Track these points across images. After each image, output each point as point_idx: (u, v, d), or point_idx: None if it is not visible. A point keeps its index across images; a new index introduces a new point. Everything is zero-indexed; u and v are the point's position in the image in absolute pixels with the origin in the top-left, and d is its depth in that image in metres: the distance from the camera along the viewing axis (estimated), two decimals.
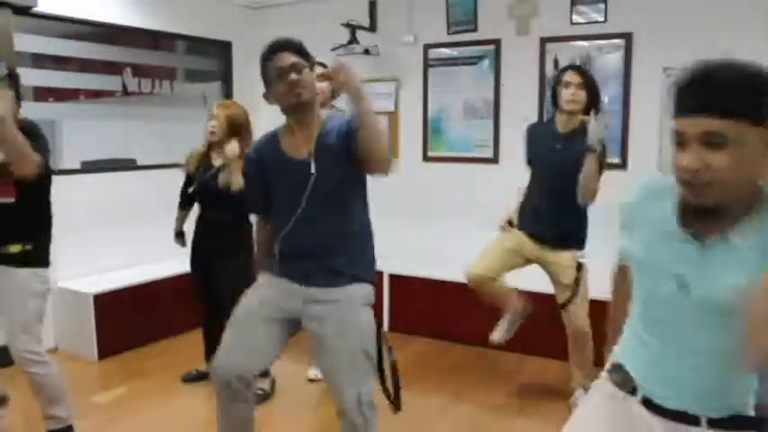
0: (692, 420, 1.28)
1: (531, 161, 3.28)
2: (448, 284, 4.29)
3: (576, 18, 4.08)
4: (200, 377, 3.54)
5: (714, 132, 1.08)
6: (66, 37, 4.23)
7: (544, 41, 4.18)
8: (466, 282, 3.25)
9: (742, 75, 1.13)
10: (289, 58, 2.06)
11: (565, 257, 3.10)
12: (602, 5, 3.99)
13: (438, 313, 4.35)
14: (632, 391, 1.36)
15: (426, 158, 4.74)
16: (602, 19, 4.00)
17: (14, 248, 2.62)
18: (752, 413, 1.31)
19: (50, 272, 2.76)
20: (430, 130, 4.71)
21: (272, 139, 2.19)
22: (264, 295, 2.19)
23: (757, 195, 1.16)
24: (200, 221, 3.41)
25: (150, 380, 3.67)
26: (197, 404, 3.35)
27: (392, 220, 4.73)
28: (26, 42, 3.93)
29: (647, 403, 1.33)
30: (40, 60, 4.38)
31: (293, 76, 2.03)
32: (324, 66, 3.47)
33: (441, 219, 4.62)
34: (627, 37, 3.93)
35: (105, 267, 4.27)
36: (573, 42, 4.09)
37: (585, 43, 4.05)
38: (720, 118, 1.08)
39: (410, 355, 4.08)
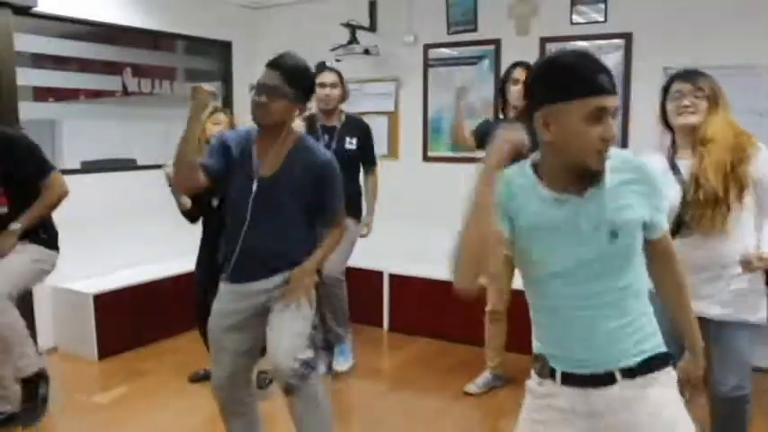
0: (609, 379, 1.41)
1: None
2: (448, 284, 4.27)
3: (575, 18, 4.08)
4: (208, 376, 3.52)
5: (617, 107, 1.37)
6: (66, 37, 4.23)
7: (544, 41, 4.18)
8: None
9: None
10: (270, 79, 2.09)
11: None
12: (602, 5, 3.99)
13: (438, 313, 4.35)
14: (552, 373, 1.48)
15: (426, 158, 4.74)
16: (602, 19, 4.00)
17: None
18: (662, 348, 1.45)
19: (55, 256, 2.92)
20: (430, 130, 4.71)
21: (248, 138, 2.24)
22: (224, 308, 2.30)
23: None
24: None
25: (150, 380, 3.67)
26: (197, 404, 3.35)
27: (392, 220, 4.73)
28: (26, 42, 3.93)
29: (566, 380, 1.45)
30: (40, 60, 4.37)
31: (261, 98, 2.08)
32: (336, 72, 3.61)
33: (441, 219, 4.61)
34: (627, 37, 3.93)
35: (105, 267, 4.27)
36: (573, 42, 4.09)
37: (585, 43, 4.05)
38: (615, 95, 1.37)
39: (410, 355, 4.08)
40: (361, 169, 3.78)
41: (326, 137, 3.54)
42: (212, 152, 2.27)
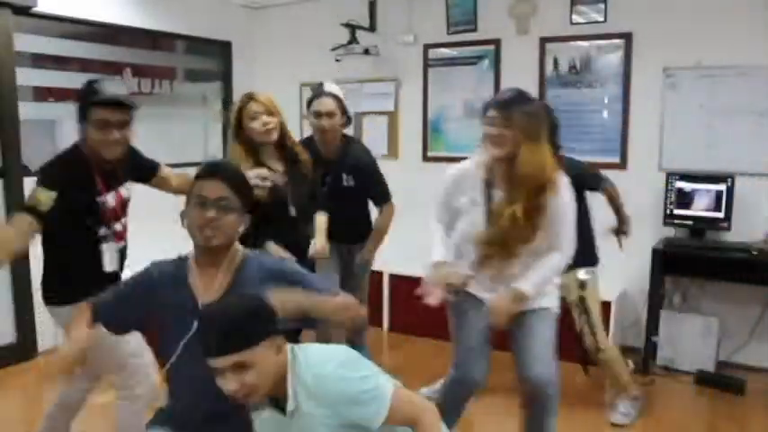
0: None
1: None
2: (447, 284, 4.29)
3: (575, 18, 4.08)
4: None
5: (234, 364, 1.39)
6: (66, 37, 4.23)
7: (544, 41, 4.18)
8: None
9: (228, 320, 1.41)
10: (217, 191, 1.71)
11: (568, 277, 2.90)
12: (602, 5, 3.98)
13: (438, 313, 4.33)
14: None
15: (426, 158, 4.74)
16: (601, 19, 4.00)
17: None
18: None
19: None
20: (430, 130, 4.71)
21: (181, 267, 1.84)
22: None
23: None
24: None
25: None
26: None
27: (392, 220, 4.72)
28: (26, 42, 3.93)
29: None
30: (40, 60, 4.37)
31: (211, 213, 1.69)
32: (334, 97, 3.09)
33: None
34: (627, 37, 3.93)
35: None
36: (573, 42, 4.09)
37: (585, 43, 4.06)
38: (233, 353, 1.39)
39: (410, 355, 4.07)
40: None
41: (321, 171, 3.04)
42: (127, 300, 1.86)
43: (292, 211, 2.73)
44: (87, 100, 2.18)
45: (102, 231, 2.34)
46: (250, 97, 2.68)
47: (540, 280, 2.21)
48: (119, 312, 1.85)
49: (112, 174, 2.35)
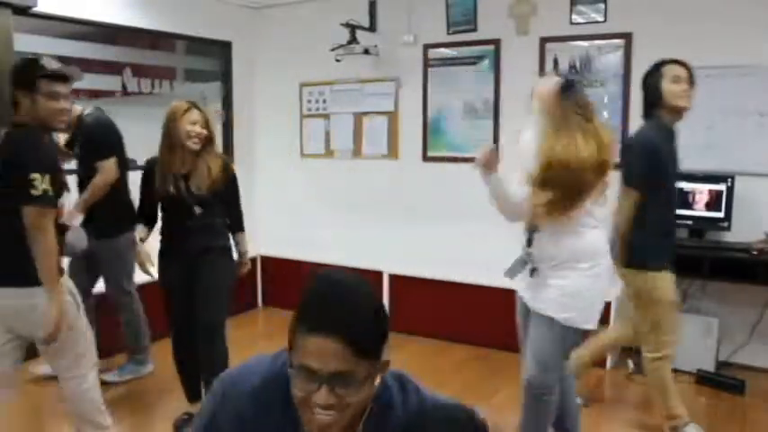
0: None
1: (656, 182, 2.83)
2: (448, 284, 4.29)
3: (575, 18, 4.08)
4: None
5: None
6: (66, 37, 4.23)
7: (544, 41, 4.18)
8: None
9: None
10: (330, 359, 1.05)
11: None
12: (602, 5, 3.99)
13: (438, 313, 4.36)
14: None
15: (426, 158, 4.73)
16: (601, 19, 4.00)
17: None
18: None
19: None
20: (430, 131, 4.70)
21: (287, 406, 1.15)
22: None
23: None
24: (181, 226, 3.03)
25: (150, 380, 3.67)
26: (197, 405, 3.34)
27: (392, 220, 4.73)
28: (26, 42, 3.92)
29: None
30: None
31: (322, 396, 1.07)
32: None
33: (440, 219, 4.61)
34: (627, 37, 3.93)
35: None
36: (573, 42, 4.09)
37: (585, 43, 4.06)
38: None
39: (410, 355, 4.08)
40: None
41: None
42: None
43: (197, 210, 2.97)
44: None
45: None
46: (195, 105, 2.95)
47: None
48: None
49: None
